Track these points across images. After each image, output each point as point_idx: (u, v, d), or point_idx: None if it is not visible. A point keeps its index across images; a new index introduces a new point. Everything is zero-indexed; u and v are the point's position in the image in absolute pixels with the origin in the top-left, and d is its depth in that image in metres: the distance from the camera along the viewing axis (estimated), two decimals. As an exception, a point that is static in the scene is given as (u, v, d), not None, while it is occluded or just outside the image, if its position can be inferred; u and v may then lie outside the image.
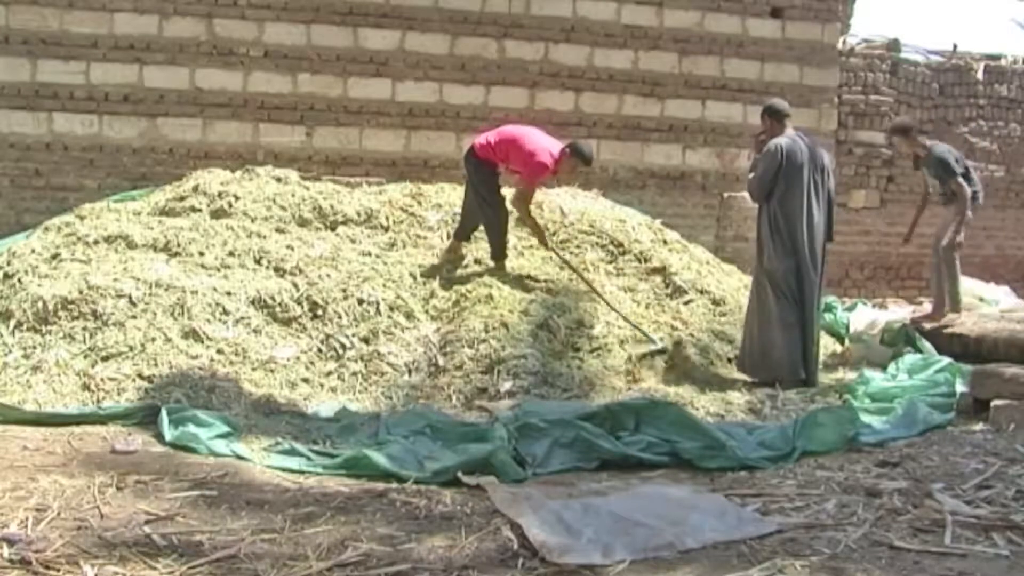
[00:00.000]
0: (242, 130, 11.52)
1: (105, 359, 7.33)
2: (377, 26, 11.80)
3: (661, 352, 8.60)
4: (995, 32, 47.57)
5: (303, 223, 9.72)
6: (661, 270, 9.86)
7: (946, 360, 8.48)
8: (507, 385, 7.64)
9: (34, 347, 7.49)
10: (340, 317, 8.23)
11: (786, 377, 8.38)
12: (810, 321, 8.54)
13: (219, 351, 7.63)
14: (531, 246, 9.67)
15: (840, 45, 13.68)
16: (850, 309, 10.95)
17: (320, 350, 7.97)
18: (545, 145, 9.31)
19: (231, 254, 8.87)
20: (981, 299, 11.59)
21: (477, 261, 9.47)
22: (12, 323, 7.74)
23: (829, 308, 10.52)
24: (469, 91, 12.09)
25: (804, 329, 8.50)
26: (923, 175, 10.44)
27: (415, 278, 9.03)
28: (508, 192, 9.62)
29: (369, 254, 9.27)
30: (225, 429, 6.15)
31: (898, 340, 9.44)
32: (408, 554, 4.17)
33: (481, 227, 9.57)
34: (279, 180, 10.35)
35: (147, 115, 11.26)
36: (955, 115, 14.29)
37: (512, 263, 9.38)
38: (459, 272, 9.23)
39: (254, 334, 7.93)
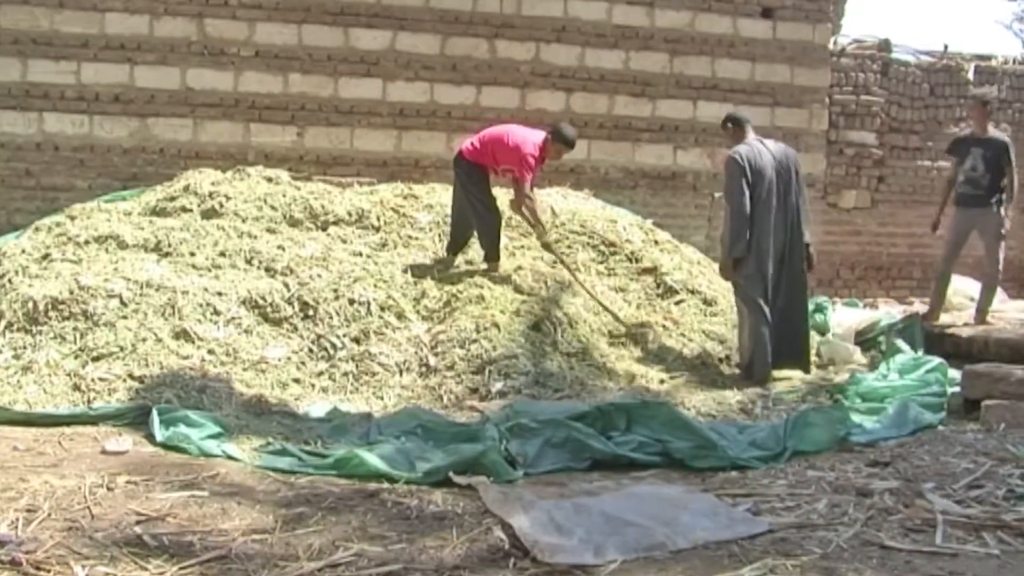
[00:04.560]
0: (233, 130, 11.49)
1: (96, 359, 7.32)
2: (368, 26, 11.79)
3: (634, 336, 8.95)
4: (986, 33, 47.72)
5: (294, 223, 9.71)
6: (652, 270, 9.89)
7: (936, 360, 8.51)
8: (498, 385, 7.65)
9: (24, 347, 7.47)
10: (331, 317, 8.23)
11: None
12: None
13: (210, 351, 7.62)
14: (523, 246, 9.68)
15: (831, 45, 13.69)
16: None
17: (311, 350, 7.96)
18: (528, 138, 9.34)
19: (222, 254, 8.86)
20: (972, 299, 11.61)
21: (468, 262, 9.47)
22: (2, 323, 7.72)
23: (820, 308, 10.58)
24: (460, 91, 12.08)
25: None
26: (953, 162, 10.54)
27: (406, 278, 9.02)
28: (500, 192, 9.63)
29: (360, 254, 9.26)
30: (216, 429, 6.14)
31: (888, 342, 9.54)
32: (399, 554, 4.17)
33: (473, 237, 9.57)
34: (270, 180, 10.34)
35: (138, 115, 11.23)
36: (945, 115, 14.31)
37: (504, 264, 9.37)
38: (450, 272, 9.23)
39: (245, 334, 7.93)
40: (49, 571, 3.84)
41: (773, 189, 8.75)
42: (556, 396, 7.59)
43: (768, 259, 8.68)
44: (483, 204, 9.37)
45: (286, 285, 8.48)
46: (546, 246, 9.54)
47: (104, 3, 11.07)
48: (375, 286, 8.69)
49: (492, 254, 9.35)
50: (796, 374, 8.89)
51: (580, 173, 12.22)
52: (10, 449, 5.77)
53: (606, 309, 9.12)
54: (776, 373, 8.83)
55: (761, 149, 8.84)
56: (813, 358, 9.39)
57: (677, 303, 9.63)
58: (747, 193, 8.61)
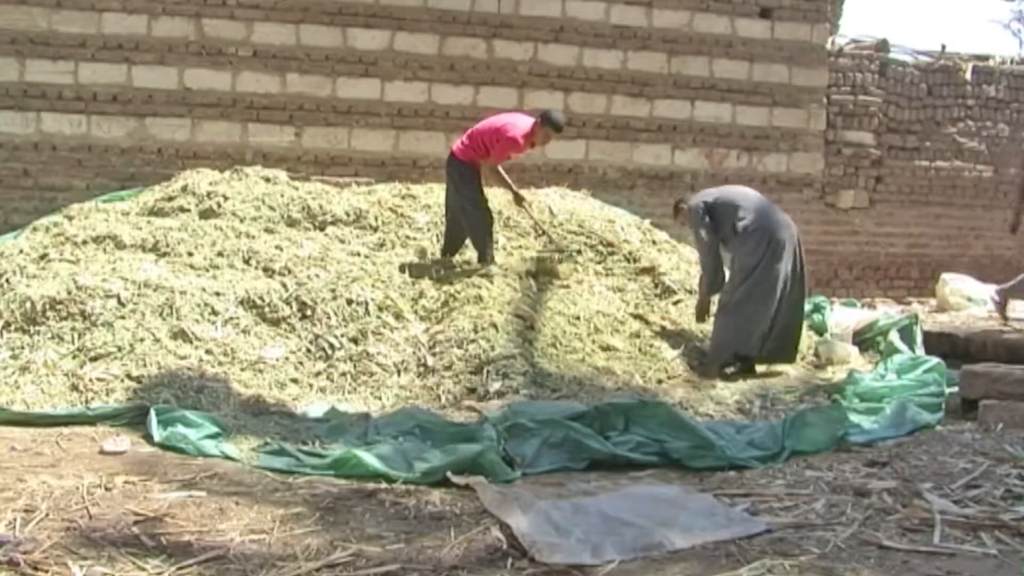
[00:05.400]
0: (231, 130, 11.50)
1: (94, 359, 7.31)
2: (366, 26, 11.80)
3: (561, 252, 9.51)
4: (984, 32, 47.77)
5: (292, 223, 9.72)
6: (650, 270, 9.89)
7: (934, 360, 8.50)
8: (496, 385, 7.64)
9: (22, 348, 7.46)
10: (329, 317, 8.22)
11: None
12: None
13: (208, 351, 7.61)
14: (520, 246, 9.68)
15: (829, 45, 13.71)
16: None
17: (309, 350, 7.96)
18: (516, 122, 9.41)
19: (220, 254, 8.86)
20: (970, 299, 11.63)
21: (466, 262, 9.46)
22: (0, 324, 7.72)
23: (818, 308, 10.59)
24: (458, 91, 12.10)
25: None
26: None
27: (404, 278, 9.02)
28: (496, 193, 9.64)
29: (358, 254, 9.26)
30: (214, 429, 6.13)
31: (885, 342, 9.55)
32: (397, 554, 4.17)
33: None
34: (268, 180, 10.34)
35: (135, 115, 11.24)
36: (943, 115, 14.33)
37: (500, 262, 9.37)
38: (448, 273, 9.23)
39: (243, 334, 7.92)
40: (47, 571, 3.84)
41: (765, 201, 9.18)
42: (554, 396, 7.58)
43: (780, 259, 8.79)
44: (473, 204, 9.37)
45: (284, 285, 8.47)
46: (518, 203, 9.74)
47: (102, 3, 11.08)
48: (373, 286, 8.68)
49: (484, 255, 9.33)
50: (791, 372, 8.93)
51: (578, 173, 12.24)
52: (8, 449, 5.76)
53: (546, 233, 9.77)
54: (770, 369, 8.95)
55: (723, 188, 9.53)
56: (811, 358, 9.41)
57: (675, 303, 9.63)
58: (711, 232, 8.91)
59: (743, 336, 8.74)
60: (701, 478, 5.75)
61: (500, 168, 9.44)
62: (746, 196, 9.17)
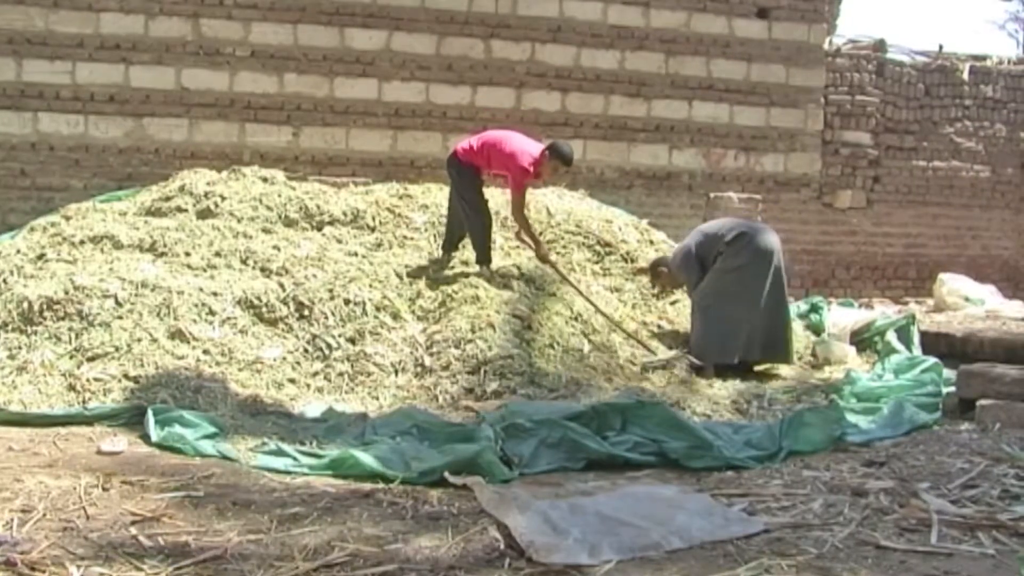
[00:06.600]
0: (228, 130, 11.50)
1: (91, 359, 7.30)
2: (364, 26, 11.80)
3: (663, 365, 8.66)
4: (981, 33, 47.82)
5: (289, 223, 9.71)
6: (647, 270, 9.88)
7: (932, 360, 8.51)
8: (494, 385, 7.63)
9: (19, 347, 7.46)
10: (326, 317, 8.21)
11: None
12: None
13: (205, 351, 7.60)
14: (518, 247, 9.67)
15: (826, 45, 13.71)
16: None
17: (306, 350, 7.95)
18: (525, 148, 9.25)
19: (217, 254, 8.85)
20: (967, 299, 11.63)
21: (464, 262, 9.45)
22: (-2, 323, 7.72)
23: (816, 308, 10.60)
24: (456, 91, 12.09)
25: None
26: None
27: (401, 278, 9.01)
28: (491, 193, 9.62)
29: (355, 254, 9.25)
30: (211, 430, 6.13)
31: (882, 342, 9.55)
32: (395, 554, 4.17)
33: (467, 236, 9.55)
34: (265, 180, 10.33)
35: (133, 115, 11.23)
36: (941, 115, 14.33)
37: (498, 263, 9.35)
38: (445, 272, 9.22)
39: (240, 334, 7.91)
40: (44, 572, 3.83)
41: (745, 219, 9.44)
42: (551, 396, 7.56)
43: (764, 264, 8.81)
44: (472, 205, 9.33)
45: (281, 285, 8.47)
46: (543, 259, 9.39)
47: (99, 3, 11.08)
48: (370, 286, 8.67)
49: (482, 256, 9.28)
50: (788, 372, 8.94)
51: (576, 173, 12.21)
52: (5, 449, 5.76)
53: (609, 319, 9.06)
54: (767, 369, 8.98)
55: (696, 229, 9.53)
56: (808, 358, 9.42)
57: (672, 303, 9.64)
58: (697, 276, 9.03)
59: (722, 335, 8.71)
60: (699, 478, 5.75)
61: (527, 222, 9.41)
62: (724, 221, 9.42)
